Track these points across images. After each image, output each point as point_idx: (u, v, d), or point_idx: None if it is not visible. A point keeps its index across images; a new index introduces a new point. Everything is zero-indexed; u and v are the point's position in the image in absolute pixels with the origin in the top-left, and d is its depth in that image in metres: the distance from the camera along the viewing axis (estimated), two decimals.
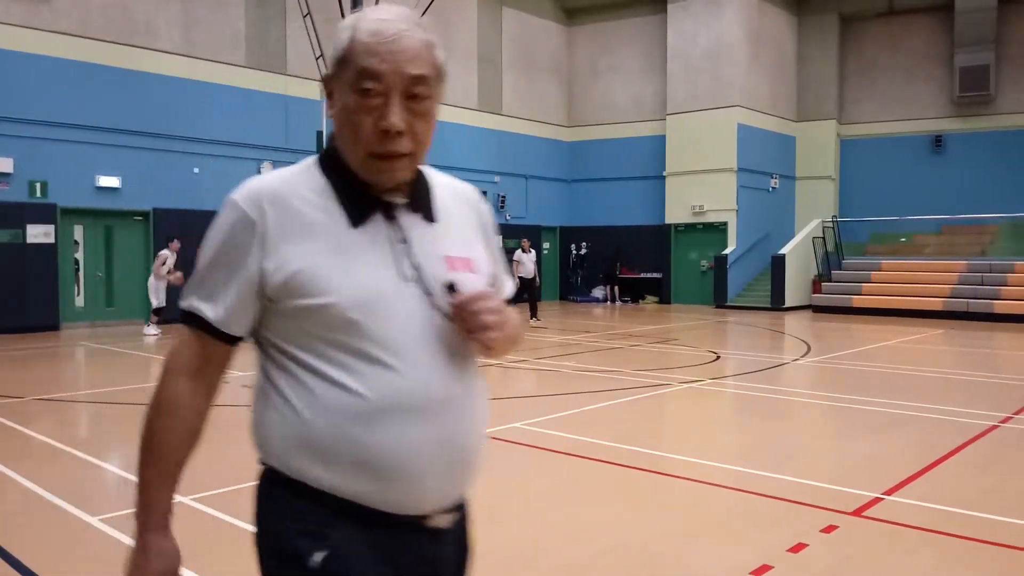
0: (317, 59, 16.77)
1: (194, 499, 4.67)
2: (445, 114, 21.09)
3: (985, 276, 19.42)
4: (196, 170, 16.55)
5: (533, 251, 17.41)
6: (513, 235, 23.19)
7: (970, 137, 23.25)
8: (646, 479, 5.43)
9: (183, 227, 16.03)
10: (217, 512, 4.48)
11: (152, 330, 14.18)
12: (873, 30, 24.49)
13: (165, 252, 14.17)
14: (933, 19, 23.52)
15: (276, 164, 17.77)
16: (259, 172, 17.51)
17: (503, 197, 22.85)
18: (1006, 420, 7.29)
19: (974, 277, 19.49)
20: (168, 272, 14.04)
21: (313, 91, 16.87)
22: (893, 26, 24.19)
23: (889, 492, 5.04)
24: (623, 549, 4.13)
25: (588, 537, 4.29)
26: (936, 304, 18.95)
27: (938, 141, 23.63)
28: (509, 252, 23.10)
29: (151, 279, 14.34)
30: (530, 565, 3.91)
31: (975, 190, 22.69)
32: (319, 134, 15.60)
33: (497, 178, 22.67)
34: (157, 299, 14.21)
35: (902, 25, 24.08)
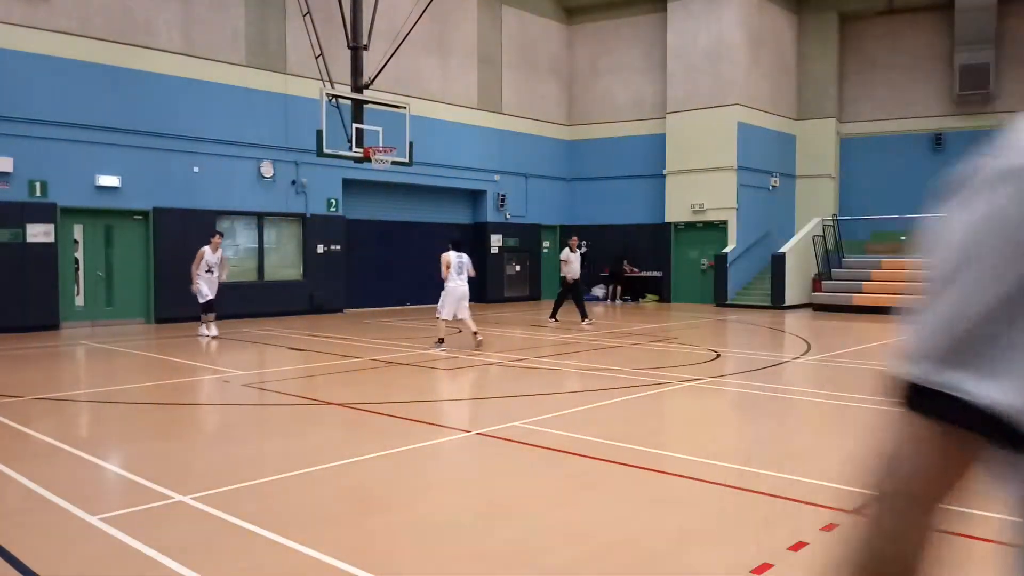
0: (317, 58, 16.75)
1: (194, 498, 4.67)
2: (445, 113, 21.09)
3: None
4: (196, 169, 16.55)
5: (580, 251, 16.61)
6: (512, 234, 23.23)
7: (970, 135, 23.21)
8: (646, 478, 5.43)
9: (184, 227, 16.05)
10: (217, 511, 4.48)
11: (209, 331, 13.42)
12: (873, 29, 24.47)
13: (205, 249, 13.66)
14: (933, 18, 23.50)
15: (276, 164, 17.77)
16: (259, 172, 17.53)
17: (503, 196, 22.85)
18: None
19: None
20: (207, 270, 13.50)
21: (313, 90, 16.86)
22: (893, 25, 24.17)
23: None
24: (623, 547, 4.13)
25: (588, 535, 4.28)
26: None
27: (938, 139, 23.63)
28: (510, 251, 23.16)
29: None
30: (530, 563, 3.91)
31: None
32: (319, 133, 15.59)
33: (497, 177, 22.67)
34: (202, 295, 13.43)
35: (902, 24, 24.06)
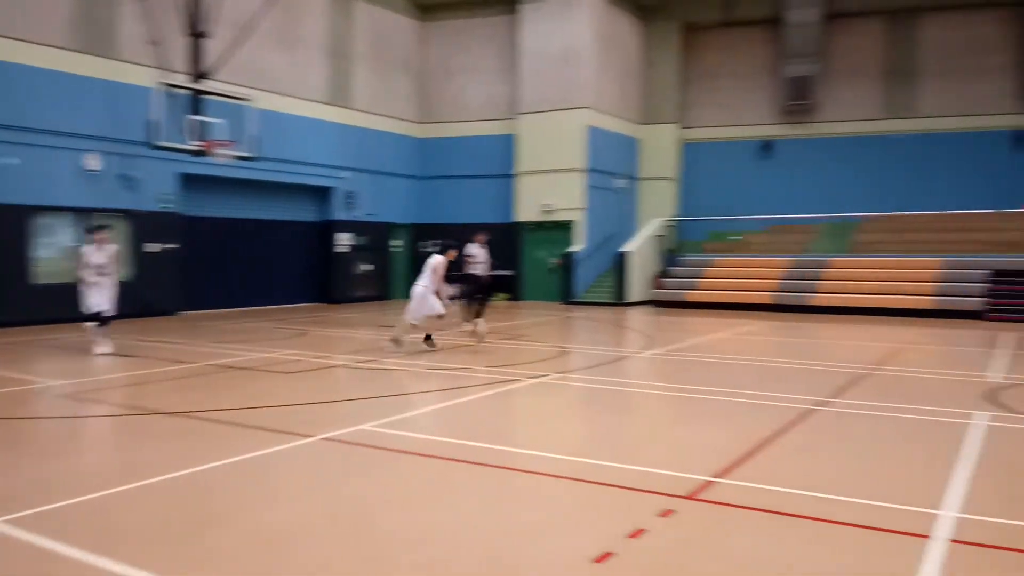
0: (151, 44, 15.71)
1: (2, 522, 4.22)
2: (291, 107, 20.39)
3: (806, 271, 21.05)
4: (16, 160, 15.10)
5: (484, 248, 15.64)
6: (362, 232, 22.79)
7: (796, 143, 25.10)
8: (493, 475, 5.45)
9: None
10: (30, 535, 4.07)
11: (100, 348, 11.13)
12: (712, 39, 25.92)
13: (85, 249, 11.42)
14: (765, 31, 25.19)
15: (104, 156, 16.52)
16: (83, 164, 16.22)
17: (353, 194, 22.37)
18: (824, 404, 7.89)
19: (799, 272, 21.08)
20: (99, 273, 11.23)
21: (147, 78, 15.80)
22: (730, 37, 25.71)
23: (720, 475, 5.31)
24: (470, 548, 4.11)
25: (434, 538, 4.24)
26: (765, 298, 20.33)
27: (768, 146, 25.35)
28: (359, 250, 22.70)
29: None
30: (378, 569, 3.82)
31: (800, 192, 24.52)
32: (151, 124, 14.62)
33: (347, 174, 22.18)
34: (86, 306, 11.29)
35: (738, 36, 25.64)
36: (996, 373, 9.95)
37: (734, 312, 19.67)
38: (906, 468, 5.68)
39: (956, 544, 4.09)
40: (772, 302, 20.16)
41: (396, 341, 11.75)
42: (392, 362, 10.73)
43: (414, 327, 11.93)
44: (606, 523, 4.44)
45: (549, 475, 5.42)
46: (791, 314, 19.17)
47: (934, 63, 23.71)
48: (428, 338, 11.87)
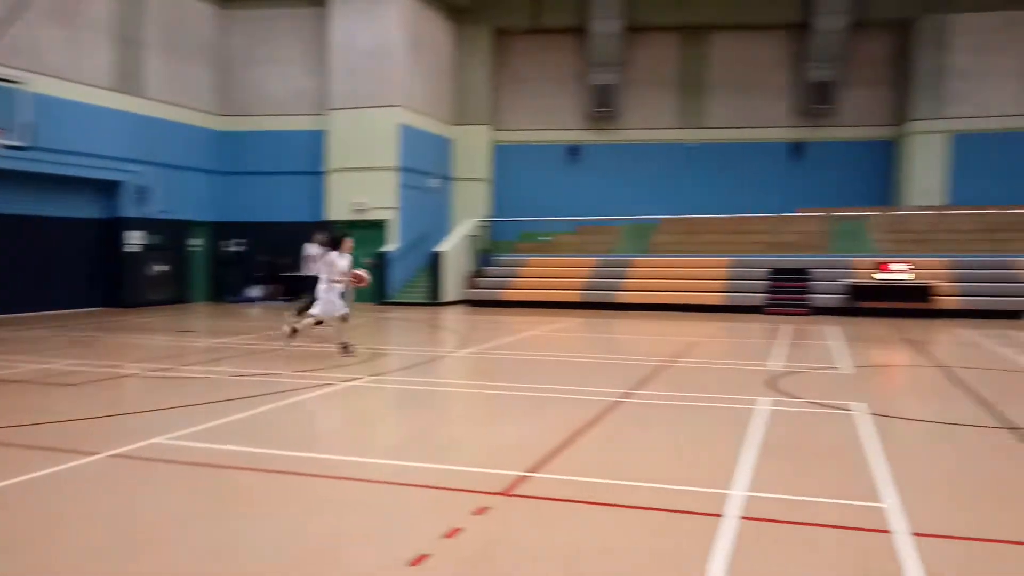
0: None
1: None
2: (72, 92, 18.55)
3: (611, 271, 22.13)
4: None
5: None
6: (155, 231, 21.17)
7: (602, 148, 26.32)
8: (300, 484, 5.19)
9: None
10: None
11: None
12: (522, 45, 26.57)
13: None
14: (571, 40, 26.18)
15: None
16: None
17: (144, 189, 20.70)
18: (628, 396, 8.27)
19: (604, 271, 22.10)
20: None
21: None
22: (539, 43, 26.49)
23: (533, 469, 5.38)
24: (276, 563, 3.86)
25: (236, 556, 3.94)
26: (574, 296, 21.14)
27: (575, 150, 26.39)
28: (153, 249, 21.06)
29: None
30: None
31: (606, 195, 25.74)
32: None
33: (137, 167, 20.49)
34: None
35: (546, 43, 26.46)
36: (776, 362, 10.91)
37: (546, 310, 20.28)
38: (702, 453, 6.04)
39: (746, 520, 4.38)
40: (581, 300, 20.99)
41: (290, 333, 11.37)
42: (191, 369, 10.01)
43: (319, 324, 11.57)
44: (420, 525, 4.35)
45: (361, 480, 5.24)
46: (599, 311, 20.05)
47: (722, 78, 25.74)
48: (345, 347, 11.23)
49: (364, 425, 7.48)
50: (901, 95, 24.62)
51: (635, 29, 25.47)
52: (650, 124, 26.02)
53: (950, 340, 14.30)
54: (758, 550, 4.00)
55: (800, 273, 20.74)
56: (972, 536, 4.21)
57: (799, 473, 5.48)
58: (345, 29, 22.66)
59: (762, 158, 25.49)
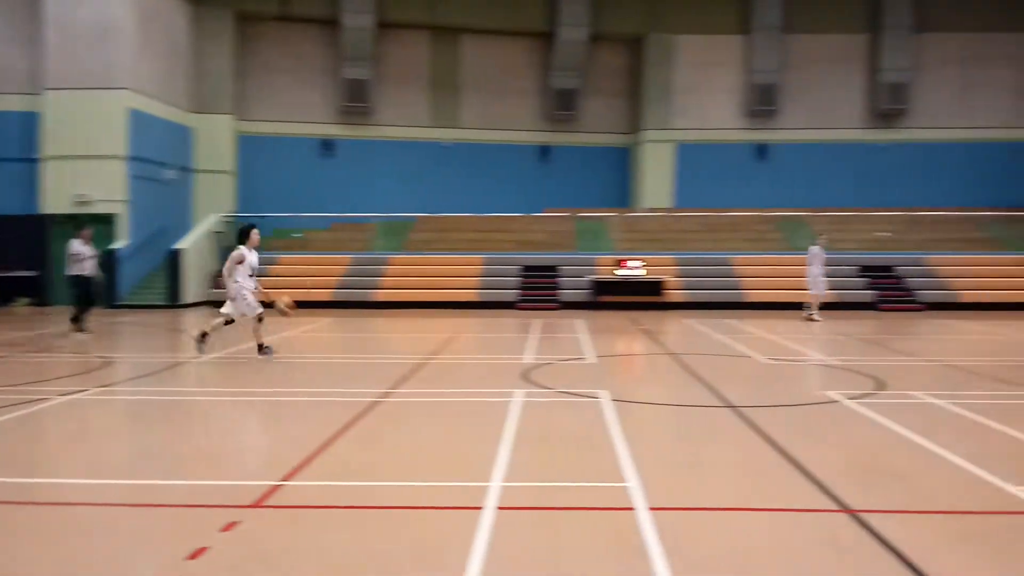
0: None
1: None
2: None
3: (367, 268, 21.83)
4: None
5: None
6: None
7: (356, 143, 25.85)
8: (25, 515, 4.46)
9: None
10: None
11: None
12: (270, 32, 25.35)
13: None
14: (323, 31, 25.43)
15: None
16: None
17: None
18: (386, 395, 8.13)
19: (359, 269, 21.75)
20: None
21: None
22: (288, 32, 25.42)
23: (288, 477, 5.07)
24: None
25: None
26: (326, 295, 20.57)
27: (328, 145, 25.69)
28: None
29: None
30: None
31: (361, 192, 25.34)
32: None
33: None
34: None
35: (296, 32, 25.47)
36: (529, 355, 11.35)
37: (299, 310, 19.48)
38: (460, 447, 6.07)
39: (503, 511, 4.44)
40: (335, 299, 20.48)
41: (200, 338, 10.80)
42: None
43: (230, 323, 10.85)
44: (161, 548, 3.90)
45: (92, 504, 4.62)
46: (355, 310, 19.68)
47: (474, 80, 26.41)
48: (262, 347, 10.62)
49: (92, 443, 6.65)
50: (635, 106, 26.81)
51: (387, 25, 25.35)
52: (405, 121, 26.05)
53: (679, 330, 15.77)
54: (516, 538, 4.06)
55: (549, 270, 21.85)
56: (702, 506, 4.60)
57: (552, 460, 5.68)
58: (62, 2, 20.18)
59: (513, 159, 26.53)
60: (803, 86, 26.12)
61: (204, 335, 10.92)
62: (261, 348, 10.72)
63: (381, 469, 5.40)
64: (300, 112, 25.59)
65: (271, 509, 4.49)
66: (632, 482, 4.95)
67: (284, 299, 11.27)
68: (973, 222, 24.25)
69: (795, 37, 25.91)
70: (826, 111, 26.24)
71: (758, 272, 21.60)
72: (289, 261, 22.34)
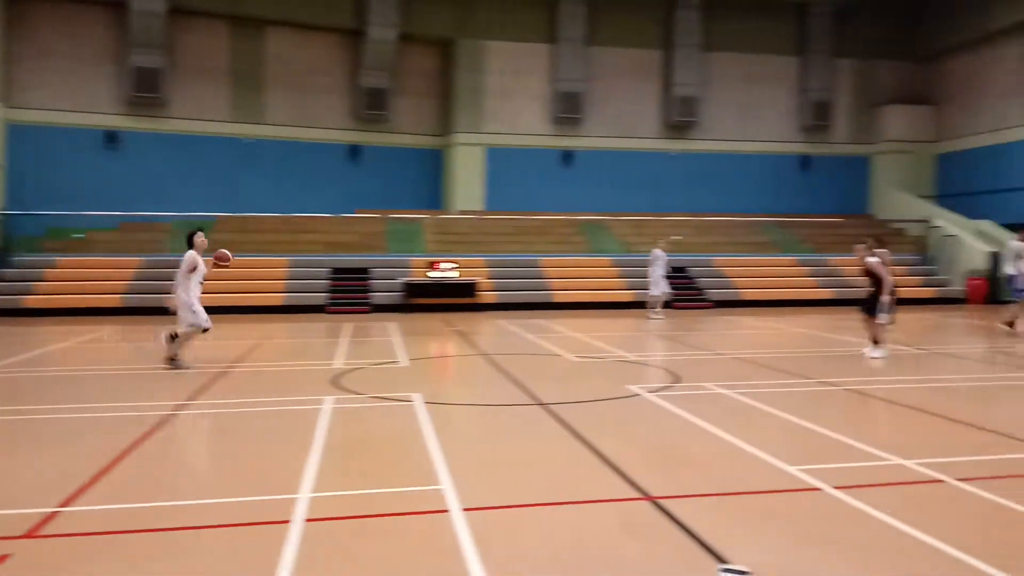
0: None
1: None
2: None
3: (162, 272, 20.30)
4: None
5: None
6: None
7: (146, 137, 23.98)
8: None
9: None
10: None
11: None
12: (47, 14, 22.96)
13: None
14: (108, 15, 23.39)
15: None
16: None
17: None
18: (182, 407, 7.56)
19: (152, 272, 20.17)
20: None
21: None
22: (68, 14, 23.14)
23: (66, 503, 4.56)
24: None
25: None
26: (115, 300, 18.92)
27: (114, 137, 23.64)
28: None
29: None
30: None
31: (153, 188, 23.54)
32: None
33: None
34: None
35: (77, 14, 23.24)
36: (339, 360, 11.03)
37: (81, 318, 17.78)
38: (266, 459, 5.76)
39: (312, 523, 4.24)
40: (125, 305, 18.87)
41: (172, 359, 9.90)
42: None
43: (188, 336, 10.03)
44: None
45: None
46: (149, 316, 18.22)
47: (280, 75, 25.37)
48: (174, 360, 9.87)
49: None
50: (446, 108, 26.95)
51: (181, 12, 23.77)
52: (203, 115, 24.54)
53: (491, 330, 16.00)
54: (325, 551, 3.89)
55: (361, 272, 21.42)
56: (515, 503, 4.64)
57: (364, 467, 5.53)
58: None
59: (321, 158, 25.78)
60: (605, 96, 27.46)
61: (172, 359, 9.97)
62: (173, 360, 9.97)
63: (174, 488, 4.99)
64: (81, 101, 23.34)
65: (46, 539, 4.01)
66: (446, 484, 4.92)
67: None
68: (754, 227, 26.61)
69: (598, 49, 27.18)
70: (626, 121, 27.75)
71: (565, 273, 22.43)
72: (68, 264, 20.32)
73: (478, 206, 26.44)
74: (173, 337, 10.09)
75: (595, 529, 4.26)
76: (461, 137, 26.42)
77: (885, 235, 21.34)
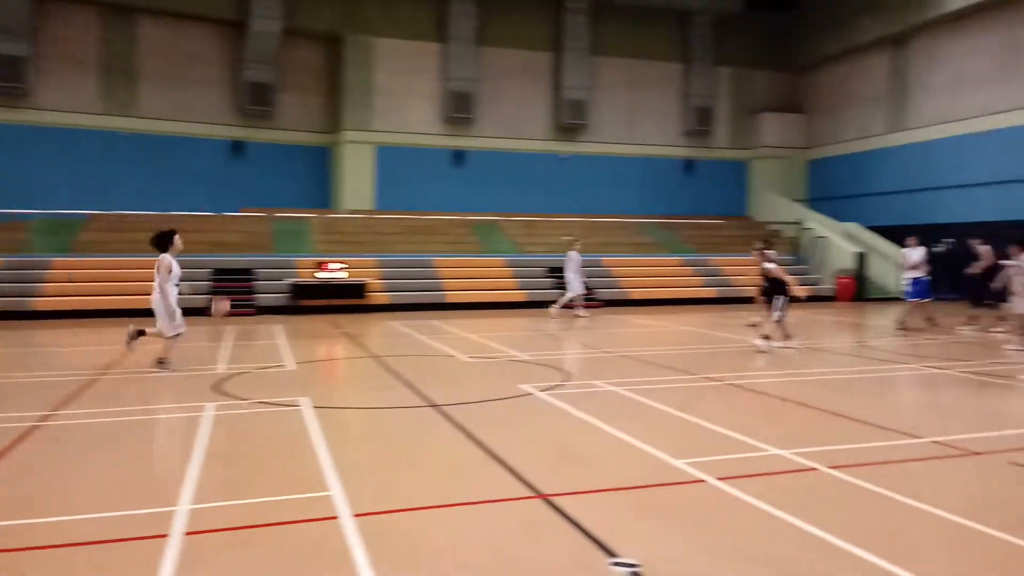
0: None
1: None
2: None
3: (23, 273, 18.96)
4: None
5: None
6: None
7: (6, 129, 22.36)
8: None
9: None
10: None
11: None
12: None
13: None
14: None
15: None
16: None
17: None
18: (48, 418, 7.07)
19: (11, 275, 18.81)
20: None
21: None
22: None
23: None
24: None
25: None
26: None
27: None
28: None
29: None
30: None
31: (14, 184, 21.96)
32: None
33: None
34: None
35: None
36: (222, 364, 10.59)
37: None
38: (143, 471, 5.45)
39: (192, 536, 4.04)
40: None
41: (162, 362, 9.86)
42: None
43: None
44: None
45: None
46: (9, 322, 16.97)
47: (155, 66, 24.17)
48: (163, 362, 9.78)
49: None
50: (335, 106, 26.38)
51: None
52: (70, 107, 23.09)
53: (382, 332, 15.76)
54: (206, 565, 3.70)
55: (245, 273, 20.67)
56: (407, 507, 4.56)
57: (249, 476, 5.31)
58: None
59: (202, 154, 24.74)
60: (497, 97, 27.59)
61: (162, 361, 9.93)
62: (162, 363, 9.96)
63: (40, 503, 4.64)
64: None
65: None
66: (335, 490, 4.78)
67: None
68: (641, 228, 27.35)
69: (488, 50, 27.28)
70: (517, 122, 27.97)
71: (458, 274, 22.37)
72: None
73: (368, 205, 26.03)
74: (140, 333, 10.15)
75: (487, 529, 4.24)
76: (350, 135, 25.94)
77: (771, 236, 22.41)
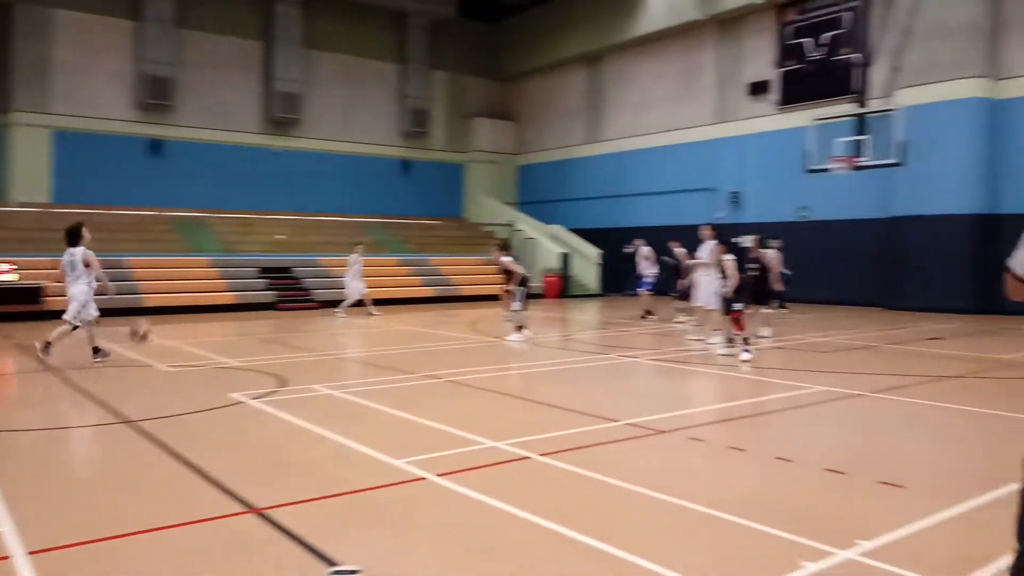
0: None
1: None
2: None
3: None
4: None
5: None
6: None
7: None
8: None
9: None
10: None
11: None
12: None
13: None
14: None
15: None
16: None
17: None
18: None
19: None
20: None
21: None
22: None
23: None
24: None
25: None
26: None
27: None
28: None
29: None
30: None
31: None
32: None
33: None
34: None
35: None
36: None
37: None
38: None
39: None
40: None
41: (44, 348, 10.07)
42: None
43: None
44: None
45: None
46: None
47: None
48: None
49: None
50: (3, 83, 22.84)
51: None
52: None
53: (63, 342, 13.91)
54: None
55: None
56: (96, 538, 4.01)
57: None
58: None
59: None
60: (201, 84, 25.66)
61: (48, 344, 10.25)
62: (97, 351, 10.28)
63: None
64: None
65: None
66: (6, 527, 4.08)
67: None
68: (358, 227, 27.05)
69: (191, 33, 25.29)
70: (225, 112, 26.23)
71: (157, 275, 20.43)
72: None
73: (44, 198, 22.92)
74: (73, 329, 10.44)
75: (195, 552, 3.86)
76: (22, 117, 22.65)
77: (506, 241, 23.28)
